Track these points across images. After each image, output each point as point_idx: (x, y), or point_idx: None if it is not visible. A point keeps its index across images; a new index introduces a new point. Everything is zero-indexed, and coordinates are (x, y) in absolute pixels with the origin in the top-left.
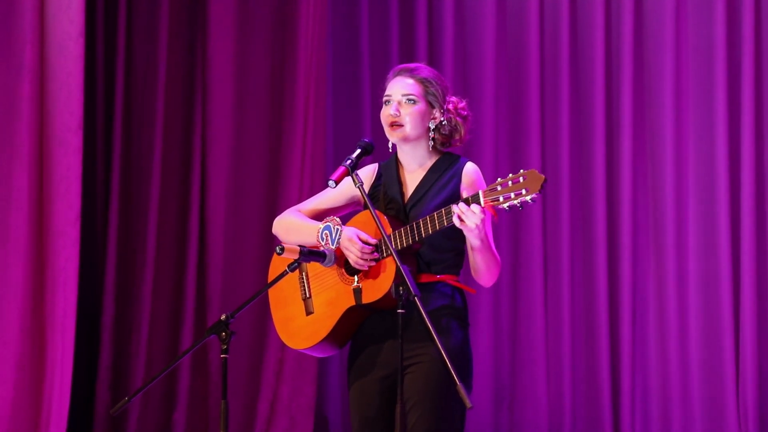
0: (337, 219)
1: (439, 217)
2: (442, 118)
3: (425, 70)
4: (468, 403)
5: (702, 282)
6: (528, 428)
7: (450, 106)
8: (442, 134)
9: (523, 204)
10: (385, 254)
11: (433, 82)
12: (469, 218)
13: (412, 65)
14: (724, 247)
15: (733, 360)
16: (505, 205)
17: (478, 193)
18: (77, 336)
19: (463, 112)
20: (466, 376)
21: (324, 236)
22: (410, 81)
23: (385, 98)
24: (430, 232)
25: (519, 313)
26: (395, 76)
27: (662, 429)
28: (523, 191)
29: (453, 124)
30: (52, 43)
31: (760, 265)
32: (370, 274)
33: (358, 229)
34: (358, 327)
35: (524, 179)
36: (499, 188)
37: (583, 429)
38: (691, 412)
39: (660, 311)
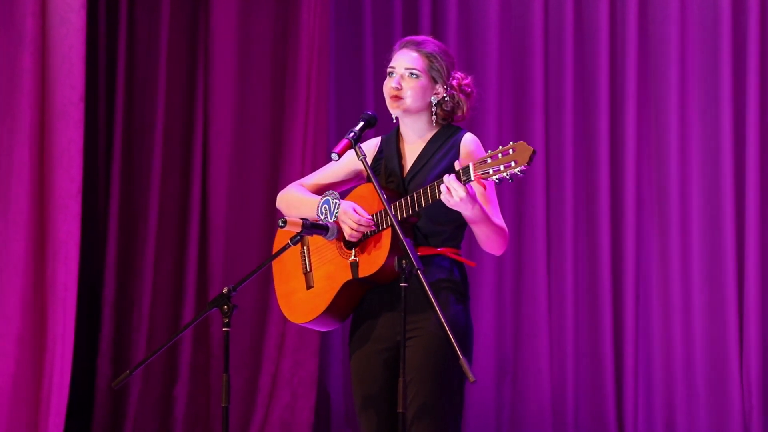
0: (336, 193)
1: (432, 189)
2: (444, 94)
3: (431, 44)
4: (471, 377)
5: (705, 257)
6: (531, 403)
7: (454, 82)
8: (444, 110)
9: (513, 176)
10: (381, 227)
11: (438, 57)
12: (454, 192)
13: (418, 38)
14: (728, 223)
15: (736, 336)
16: (495, 178)
17: (468, 166)
18: (78, 310)
19: (467, 88)
20: (466, 350)
21: (323, 210)
22: (415, 54)
23: (389, 69)
24: (423, 205)
25: (522, 287)
26: (401, 48)
27: (666, 404)
28: (512, 163)
29: (456, 100)
30: (54, 14)
31: (764, 240)
32: (366, 248)
33: (356, 202)
34: (359, 301)
35: (513, 151)
36: (489, 161)
37: (585, 404)
38: (694, 387)
39: (663, 286)
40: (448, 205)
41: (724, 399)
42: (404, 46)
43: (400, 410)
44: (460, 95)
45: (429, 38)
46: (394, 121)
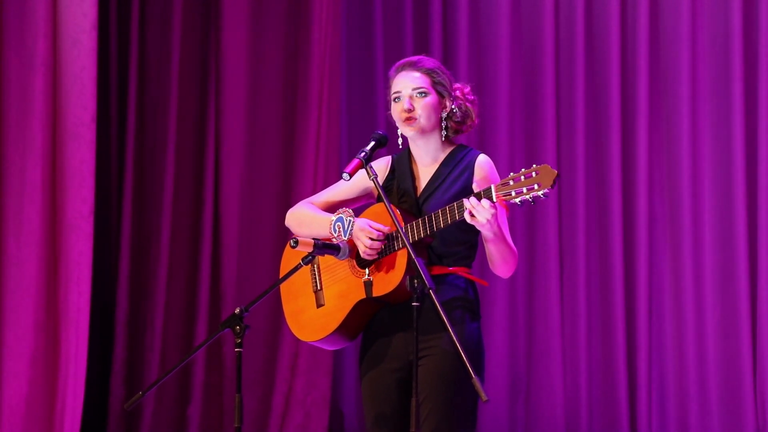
0: (350, 211)
1: (451, 210)
2: (452, 106)
3: (428, 61)
4: (484, 397)
5: (718, 274)
6: (544, 421)
7: (458, 93)
8: (455, 122)
9: (535, 199)
10: (396, 247)
11: (439, 72)
12: (479, 213)
13: (414, 58)
14: (741, 238)
15: (750, 352)
16: (517, 200)
17: (490, 188)
18: (91, 330)
19: (470, 96)
20: (479, 369)
21: (336, 228)
22: (417, 74)
23: (393, 96)
24: (442, 225)
25: (535, 306)
26: (399, 72)
27: (679, 421)
28: (536, 186)
29: (464, 109)
30: (65, 36)
31: None
32: (381, 267)
33: (372, 219)
34: (370, 320)
35: (537, 174)
36: (511, 183)
37: (599, 422)
38: (708, 405)
39: (676, 303)
40: (477, 226)
41: (738, 415)
42: (402, 69)
43: (413, 430)
44: (467, 104)
45: (422, 56)
46: (401, 146)
